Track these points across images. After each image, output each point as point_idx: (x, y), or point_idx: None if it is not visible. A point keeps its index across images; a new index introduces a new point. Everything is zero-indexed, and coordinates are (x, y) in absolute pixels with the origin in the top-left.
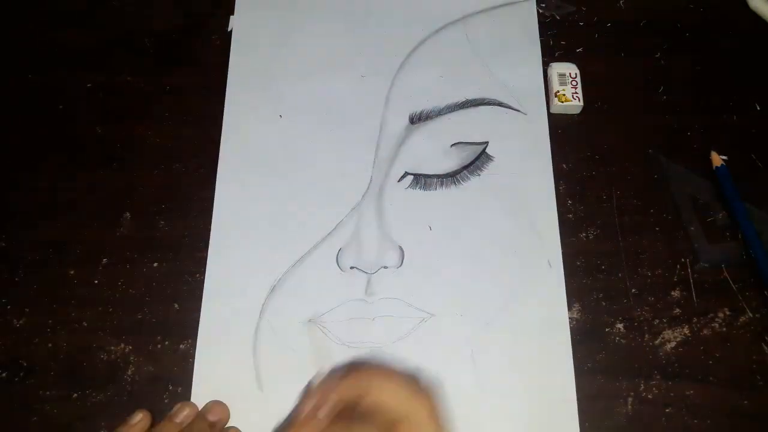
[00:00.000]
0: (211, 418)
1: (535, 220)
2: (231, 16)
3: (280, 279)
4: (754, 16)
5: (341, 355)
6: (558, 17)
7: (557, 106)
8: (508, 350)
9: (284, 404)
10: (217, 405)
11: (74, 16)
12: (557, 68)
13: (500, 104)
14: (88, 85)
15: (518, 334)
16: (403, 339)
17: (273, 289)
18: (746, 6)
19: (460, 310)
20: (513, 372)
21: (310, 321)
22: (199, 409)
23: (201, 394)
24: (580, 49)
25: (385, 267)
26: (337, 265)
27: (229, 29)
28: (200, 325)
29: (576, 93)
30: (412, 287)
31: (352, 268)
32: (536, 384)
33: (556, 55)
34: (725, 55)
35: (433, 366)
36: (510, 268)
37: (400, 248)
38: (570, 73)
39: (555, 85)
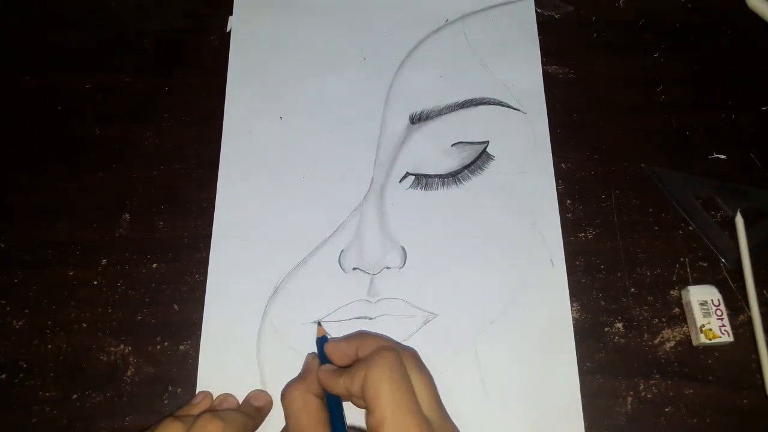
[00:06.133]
0: (255, 403)
1: (537, 219)
2: (230, 17)
3: (282, 281)
4: (753, 16)
5: None
6: (557, 17)
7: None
8: (512, 349)
9: None
10: (260, 392)
11: (74, 17)
12: (696, 294)
13: (500, 104)
14: (88, 86)
15: (522, 333)
16: (407, 339)
17: (276, 291)
18: (745, 5)
19: (463, 309)
20: (517, 371)
21: (313, 322)
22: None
23: None
24: (579, 49)
25: (388, 267)
26: (340, 266)
27: (227, 30)
28: (203, 327)
29: (724, 327)
30: (415, 287)
31: (354, 269)
32: (541, 382)
33: (553, 51)
34: (724, 54)
35: (438, 366)
36: (513, 267)
37: (403, 249)
38: (712, 300)
39: (698, 318)
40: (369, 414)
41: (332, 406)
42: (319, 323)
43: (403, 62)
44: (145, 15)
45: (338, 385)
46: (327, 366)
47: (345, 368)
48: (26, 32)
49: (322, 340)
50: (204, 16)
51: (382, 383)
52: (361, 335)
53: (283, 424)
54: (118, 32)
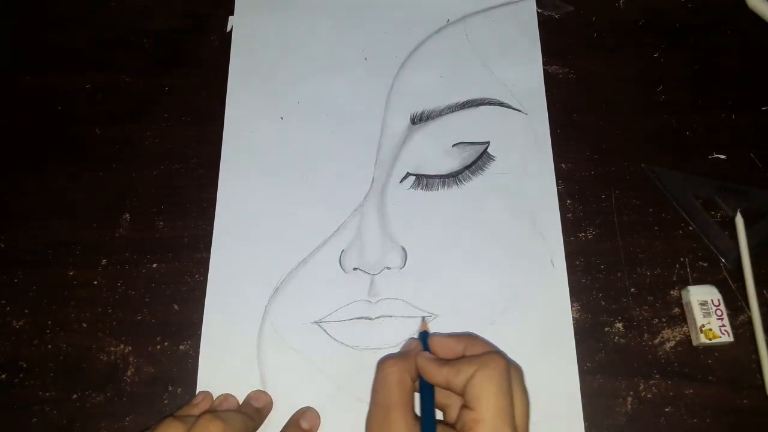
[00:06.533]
0: (256, 404)
1: (538, 220)
2: (230, 17)
3: (282, 281)
4: (753, 16)
5: (344, 357)
6: (557, 17)
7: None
8: (512, 349)
9: (289, 405)
10: (261, 393)
11: (74, 17)
12: (696, 294)
13: (501, 104)
14: (88, 86)
15: (522, 333)
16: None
17: (276, 291)
18: (745, 5)
19: (463, 310)
20: None
21: (313, 322)
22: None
23: None
24: (579, 49)
25: (388, 268)
26: (340, 266)
27: (228, 30)
28: (203, 326)
29: (724, 327)
30: (416, 288)
31: (355, 269)
32: (541, 382)
33: (554, 51)
34: (724, 54)
35: None
36: (513, 267)
37: (403, 249)
38: (712, 300)
39: (698, 318)
40: (466, 410)
41: (426, 392)
42: (422, 319)
43: (404, 62)
44: (145, 15)
45: (439, 374)
46: (428, 354)
47: (448, 361)
48: (26, 32)
49: (424, 335)
50: (204, 16)
51: (490, 385)
52: (470, 336)
53: (283, 424)
54: (118, 32)
